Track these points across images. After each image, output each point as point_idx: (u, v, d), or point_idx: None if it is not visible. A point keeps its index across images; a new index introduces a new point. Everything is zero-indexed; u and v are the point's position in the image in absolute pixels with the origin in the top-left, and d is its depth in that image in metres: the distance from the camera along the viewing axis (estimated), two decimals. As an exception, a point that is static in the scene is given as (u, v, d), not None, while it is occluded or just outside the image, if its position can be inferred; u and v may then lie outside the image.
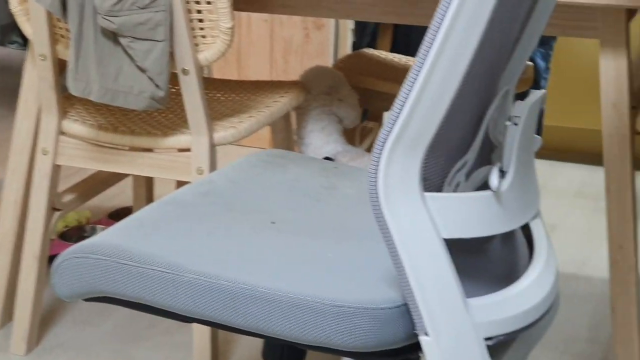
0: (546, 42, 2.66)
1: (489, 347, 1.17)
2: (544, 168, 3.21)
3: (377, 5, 1.81)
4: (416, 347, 1.14)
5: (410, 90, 1.10)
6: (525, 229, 1.37)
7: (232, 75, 3.30)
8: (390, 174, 1.11)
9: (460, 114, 1.16)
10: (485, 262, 1.25)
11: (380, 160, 1.11)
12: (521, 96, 2.53)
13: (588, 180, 3.19)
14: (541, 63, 2.54)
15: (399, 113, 1.11)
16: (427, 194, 1.13)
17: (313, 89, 2.16)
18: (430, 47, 1.09)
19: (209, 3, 1.79)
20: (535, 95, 1.26)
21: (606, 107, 1.74)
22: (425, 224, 1.12)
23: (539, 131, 2.58)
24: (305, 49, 3.21)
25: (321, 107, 2.13)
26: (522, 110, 1.24)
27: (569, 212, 2.93)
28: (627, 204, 1.76)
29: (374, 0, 1.80)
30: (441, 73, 1.09)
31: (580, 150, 3.23)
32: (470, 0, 1.07)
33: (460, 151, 1.19)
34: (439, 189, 1.17)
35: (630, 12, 1.75)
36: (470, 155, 1.20)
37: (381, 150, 1.11)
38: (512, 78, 1.34)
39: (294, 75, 3.20)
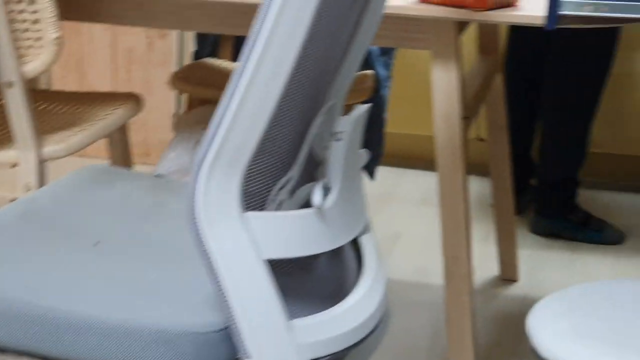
0: (387, 51, 2.67)
1: (315, 368, 1.15)
2: (389, 175, 3.24)
3: (207, 16, 1.78)
4: (239, 371, 1.11)
5: (228, 105, 1.07)
6: (356, 244, 1.36)
7: (73, 85, 3.21)
8: (208, 193, 1.08)
9: (283, 129, 1.14)
10: (311, 281, 1.23)
11: (198, 179, 1.08)
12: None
13: (433, 186, 3.22)
14: (383, 72, 2.54)
15: (216, 129, 1.08)
16: (249, 214, 1.11)
17: (190, 117, 2.18)
18: (247, 62, 1.07)
19: (33, 12, 1.72)
20: (359, 110, 1.25)
21: (438, 118, 1.76)
22: (245, 245, 1.10)
23: (380, 140, 2.59)
24: (149, 58, 3.15)
25: (181, 131, 2.14)
26: (346, 125, 1.22)
27: (413, 220, 2.96)
28: (460, 216, 1.78)
29: (203, 11, 1.77)
30: (260, 87, 1.07)
31: (425, 157, 3.26)
32: (288, 12, 1.06)
33: (284, 168, 1.17)
34: (261, 207, 1.14)
35: (462, 25, 1.77)
36: (294, 172, 1.18)
37: (199, 168, 1.08)
38: (340, 91, 1.33)
39: (137, 84, 3.13)
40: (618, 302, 1.36)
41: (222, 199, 1.09)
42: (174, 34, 3.13)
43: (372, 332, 1.25)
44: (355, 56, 1.33)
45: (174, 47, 3.12)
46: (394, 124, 3.18)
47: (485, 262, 2.67)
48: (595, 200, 3.15)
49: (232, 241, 1.09)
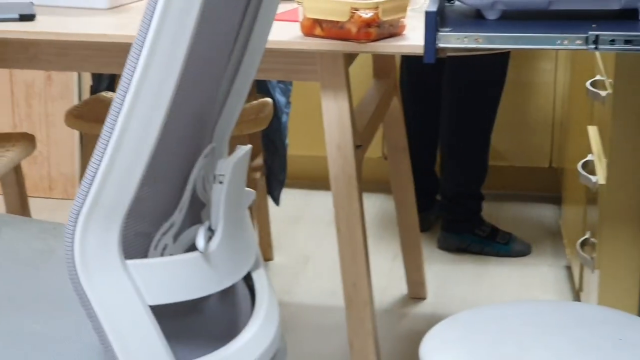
0: (286, 77, 2.69)
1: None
2: (296, 198, 3.25)
3: (97, 56, 1.77)
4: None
5: (101, 156, 1.07)
6: (250, 280, 1.36)
7: (-28, 123, 3.16)
8: (86, 245, 1.07)
9: (162, 176, 1.14)
10: (200, 322, 1.23)
11: (74, 232, 1.07)
12: (265, 132, 2.53)
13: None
14: (281, 99, 2.56)
15: (91, 181, 1.07)
16: (130, 262, 1.10)
17: None
18: (118, 112, 1.07)
19: None
20: (240, 151, 1.25)
21: (331, 149, 1.77)
22: (128, 293, 1.09)
23: (283, 166, 2.61)
24: (48, 92, 3.11)
25: None
26: (227, 168, 1.23)
27: (322, 241, 2.97)
28: (358, 243, 1.79)
29: (91, 51, 1.76)
30: (133, 136, 1.07)
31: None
32: (157, 64, 1.06)
33: (167, 212, 1.17)
34: (144, 254, 1.14)
35: (350, 56, 1.78)
36: (178, 216, 1.18)
37: (75, 221, 1.07)
38: (223, 132, 1.33)
39: (38, 118, 3.10)
40: (510, 326, 1.39)
41: (101, 250, 1.08)
42: (73, 67, 3.10)
43: (265, 370, 1.25)
44: (238, 96, 1.34)
45: (74, 79, 3.09)
46: (297, 147, 3.20)
47: (393, 281, 2.70)
48: (500, 212, 3.20)
49: (113, 290, 1.09)
